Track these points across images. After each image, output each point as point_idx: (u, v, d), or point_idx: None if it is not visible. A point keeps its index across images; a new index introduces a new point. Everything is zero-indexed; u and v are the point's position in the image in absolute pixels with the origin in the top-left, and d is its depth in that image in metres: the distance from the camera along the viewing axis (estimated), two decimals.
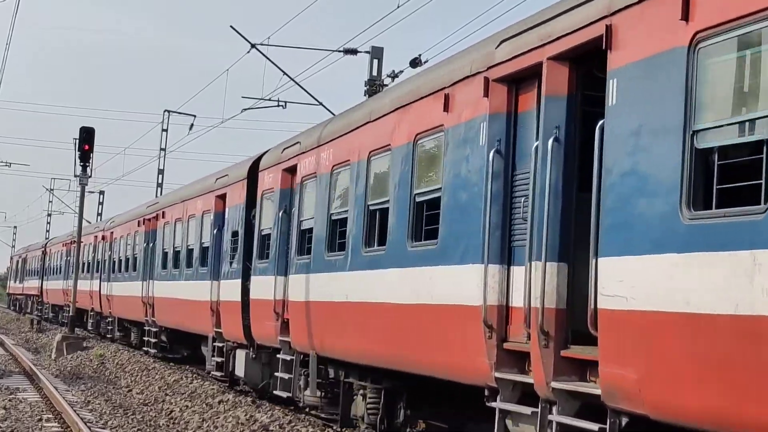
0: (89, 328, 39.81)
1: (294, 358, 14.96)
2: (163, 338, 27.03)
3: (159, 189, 48.50)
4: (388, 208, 11.42)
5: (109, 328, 35.93)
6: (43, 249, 57.05)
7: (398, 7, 20.81)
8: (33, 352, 33.81)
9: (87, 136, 31.32)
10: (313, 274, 13.93)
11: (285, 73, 25.96)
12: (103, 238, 36.98)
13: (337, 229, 13.24)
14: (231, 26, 25.78)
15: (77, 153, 32.78)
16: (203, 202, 21.85)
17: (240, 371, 18.38)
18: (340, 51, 25.49)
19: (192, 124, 42.89)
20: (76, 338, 31.89)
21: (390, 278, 11.16)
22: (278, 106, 28.99)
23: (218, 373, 20.30)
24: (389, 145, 11.47)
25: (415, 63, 21.33)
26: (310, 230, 14.32)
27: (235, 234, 18.96)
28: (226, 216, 19.79)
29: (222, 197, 20.14)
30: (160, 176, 48.88)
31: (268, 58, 25.49)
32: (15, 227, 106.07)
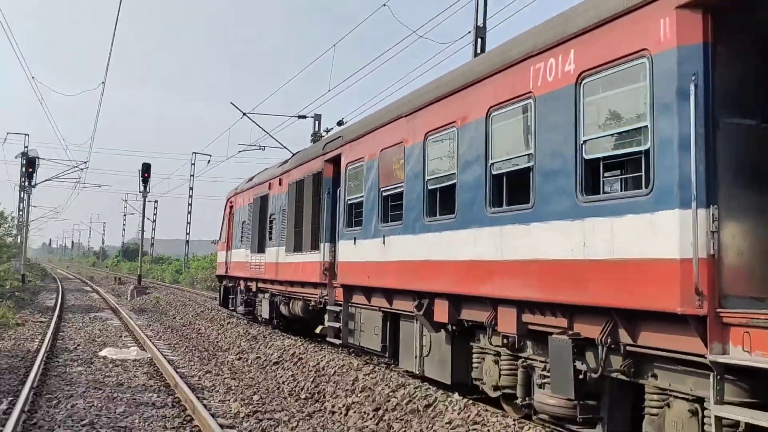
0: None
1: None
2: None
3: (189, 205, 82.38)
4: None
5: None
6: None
7: (329, 90, 34.07)
8: (116, 296, 50.01)
9: (146, 169, 51.15)
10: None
11: (264, 130, 38.48)
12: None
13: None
14: (231, 103, 40.12)
15: (141, 177, 51.24)
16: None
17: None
18: (295, 116, 37.81)
19: (209, 160, 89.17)
20: (142, 288, 51.23)
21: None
22: (259, 149, 43.32)
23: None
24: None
25: (340, 123, 29.51)
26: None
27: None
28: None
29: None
30: (190, 197, 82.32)
31: (254, 122, 37.28)
32: None
